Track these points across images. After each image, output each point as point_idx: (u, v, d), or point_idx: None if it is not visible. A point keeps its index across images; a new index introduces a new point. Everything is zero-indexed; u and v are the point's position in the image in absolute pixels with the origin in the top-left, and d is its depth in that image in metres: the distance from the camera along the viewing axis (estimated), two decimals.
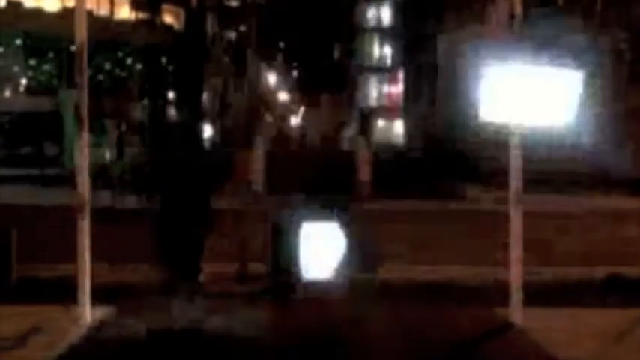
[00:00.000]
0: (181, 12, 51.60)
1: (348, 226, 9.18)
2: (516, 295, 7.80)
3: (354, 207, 9.76)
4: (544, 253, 11.64)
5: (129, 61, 45.14)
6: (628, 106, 27.02)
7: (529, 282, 8.15)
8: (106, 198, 16.62)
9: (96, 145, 31.07)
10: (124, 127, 35.11)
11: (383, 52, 76.16)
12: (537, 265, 10.05)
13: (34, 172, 33.28)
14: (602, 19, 27.41)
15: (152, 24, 47.01)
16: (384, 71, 75.63)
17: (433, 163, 29.41)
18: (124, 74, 44.00)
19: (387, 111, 72.48)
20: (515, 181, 7.90)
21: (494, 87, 7.37)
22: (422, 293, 9.77)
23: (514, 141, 7.90)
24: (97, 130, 30.61)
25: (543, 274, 10.28)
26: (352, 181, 9.90)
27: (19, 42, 44.51)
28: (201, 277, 9.80)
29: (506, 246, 7.97)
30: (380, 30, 76.01)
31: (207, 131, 33.91)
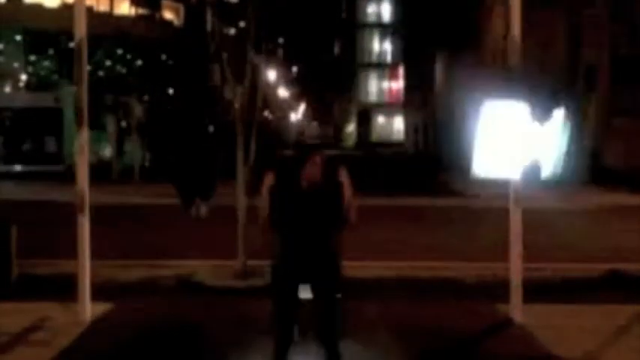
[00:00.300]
0: (181, 7, 51.61)
1: None
2: (516, 292, 7.80)
3: None
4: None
5: (129, 56, 45.13)
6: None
7: (529, 278, 8.16)
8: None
9: (96, 141, 31.17)
10: (124, 124, 35.09)
11: (383, 47, 75.99)
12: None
13: (35, 168, 33.33)
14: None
15: (152, 19, 46.98)
16: (383, 67, 75.52)
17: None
18: (124, 70, 43.99)
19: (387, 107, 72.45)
20: (515, 180, 7.90)
21: (487, 135, 7.53)
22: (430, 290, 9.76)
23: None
24: (97, 127, 30.64)
25: (543, 270, 10.27)
26: None
27: (19, 38, 44.47)
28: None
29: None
30: (380, 26, 75.78)
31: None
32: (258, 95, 11.02)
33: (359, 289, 9.06)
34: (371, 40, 76.09)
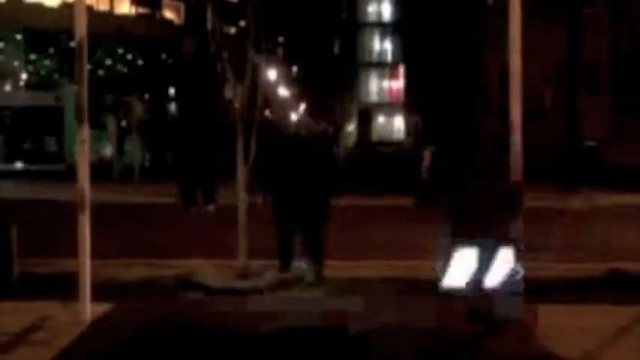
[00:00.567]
0: (181, 6, 51.61)
1: None
2: None
3: None
4: None
5: (129, 56, 45.13)
6: None
7: (529, 278, 8.14)
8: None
9: (97, 141, 31.18)
10: (124, 123, 35.12)
11: (383, 47, 75.90)
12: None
13: (35, 167, 33.34)
14: None
15: (152, 18, 46.96)
16: (384, 67, 75.42)
17: None
18: (124, 69, 44.00)
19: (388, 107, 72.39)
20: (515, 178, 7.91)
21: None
22: None
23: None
24: (98, 126, 30.65)
25: (543, 269, 10.27)
26: None
27: (19, 37, 44.48)
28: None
29: None
30: (381, 25, 75.66)
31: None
32: (258, 94, 11.02)
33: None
34: (371, 40, 76.04)
